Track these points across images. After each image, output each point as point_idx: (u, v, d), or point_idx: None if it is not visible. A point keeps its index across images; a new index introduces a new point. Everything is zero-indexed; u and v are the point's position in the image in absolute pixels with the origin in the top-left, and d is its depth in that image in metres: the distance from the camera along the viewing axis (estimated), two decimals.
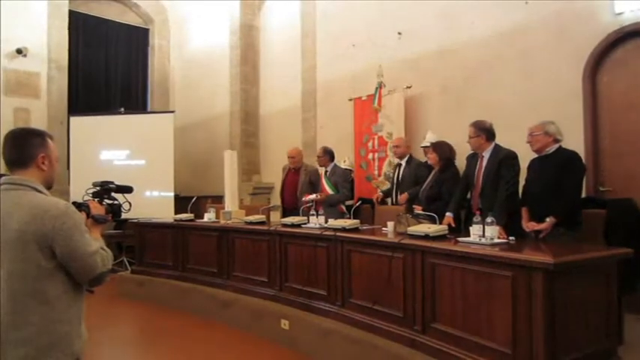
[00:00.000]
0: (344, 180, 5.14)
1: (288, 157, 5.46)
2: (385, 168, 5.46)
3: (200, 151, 8.17)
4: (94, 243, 1.65)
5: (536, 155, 3.32)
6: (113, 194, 2.00)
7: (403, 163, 4.85)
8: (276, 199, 6.93)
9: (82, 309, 1.68)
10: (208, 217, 5.20)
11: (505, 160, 3.40)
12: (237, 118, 7.69)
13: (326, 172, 5.20)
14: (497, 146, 3.54)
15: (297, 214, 4.55)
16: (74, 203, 1.75)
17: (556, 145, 3.22)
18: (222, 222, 4.90)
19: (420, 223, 3.33)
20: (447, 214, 3.59)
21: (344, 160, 5.85)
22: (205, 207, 5.79)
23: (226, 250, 4.66)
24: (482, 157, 3.56)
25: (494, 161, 3.46)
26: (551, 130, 3.22)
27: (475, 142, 3.54)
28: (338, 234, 3.60)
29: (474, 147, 3.58)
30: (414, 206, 3.81)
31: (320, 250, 3.72)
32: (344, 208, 5.04)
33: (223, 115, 7.92)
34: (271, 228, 4.23)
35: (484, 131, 3.52)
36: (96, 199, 1.92)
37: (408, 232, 3.17)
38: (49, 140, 1.71)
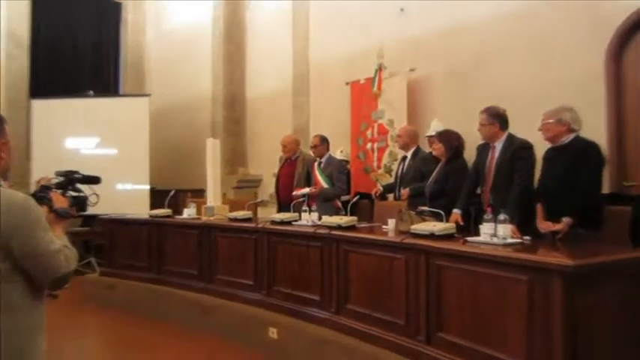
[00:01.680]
0: (339, 172, 5.12)
1: (282, 146, 5.44)
2: (386, 159, 5.45)
3: (179, 139, 8.11)
4: (56, 240, 1.61)
5: (550, 145, 3.31)
6: (78, 185, 1.95)
7: (408, 155, 4.84)
8: (264, 194, 6.90)
9: (42, 317, 1.63)
10: (188, 212, 5.17)
11: (519, 150, 3.39)
12: (221, 103, 7.63)
13: (320, 163, 5.17)
14: (510, 135, 3.53)
15: (289, 208, 4.54)
16: (34, 195, 1.70)
17: (572, 135, 3.21)
18: (204, 218, 4.87)
19: (425, 220, 3.32)
20: (455, 210, 3.59)
21: (340, 150, 5.84)
22: (185, 202, 5.75)
23: (208, 250, 4.64)
24: (494, 147, 3.54)
25: (507, 152, 3.45)
26: (565, 118, 3.20)
27: (487, 130, 3.52)
28: (333, 232, 3.59)
29: (485, 136, 3.57)
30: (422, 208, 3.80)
31: (313, 251, 3.71)
32: (339, 203, 5.03)
33: (205, 99, 7.86)
34: (258, 225, 4.21)
35: (497, 118, 3.51)
36: (59, 191, 1.86)
37: (411, 231, 3.16)
38: (5, 126, 1.65)
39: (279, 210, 5.25)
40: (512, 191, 3.32)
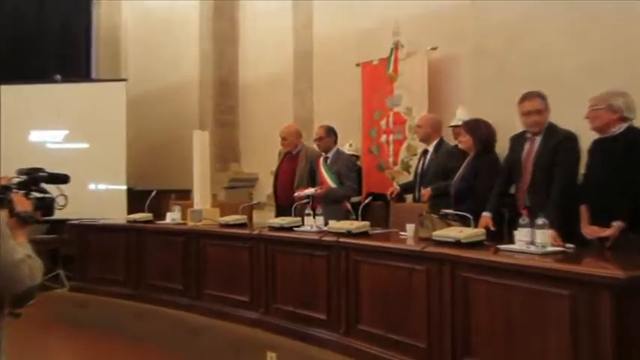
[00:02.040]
0: (349, 169, 5.12)
1: (280, 138, 5.45)
2: (403, 154, 5.44)
3: (161, 131, 8.13)
4: (19, 249, 1.61)
5: (598, 136, 3.30)
6: (44, 185, 1.95)
7: (430, 149, 4.83)
8: (261, 194, 6.91)
9: (1, 339, 1.64)
10: (172, 217, 5.19)
11: (563, 143, 3.38)
12: (210, 89, 7.65)
13: (326, 158, 5.17)
14: (552, 125, 3.52)
15: (290, 212, 4.56)
16: None
17: (624, 124, 3.19)
18: (190, 224, 4.89)
19: (449, 225, 3.33)
20: (485, 213, 3.58)
21: (349, 143, 5.84)
22: (168, 204, 5.78)
23: (195, 261, 4.66)
24: (533, 139, 3.53)
25: (548, 145, 3.44)
26: (618, 104, 3.19)
27: (538, 119, 3.46)
28: (341, 240, 3.59)
29: (533, 125, 3.50)
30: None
31: (318, 261, 3.71)
32: (349, 205, 5.01)
33: (191, 85, 7.88)
34: (254, 232, 4.22)
35: (545, 101, 3.47)
36: (21, 192, 1.87)
37: (434, 238, 3.17)
38: None
39: (279, 214, 5.25)
40: (553, 190, 3.31)
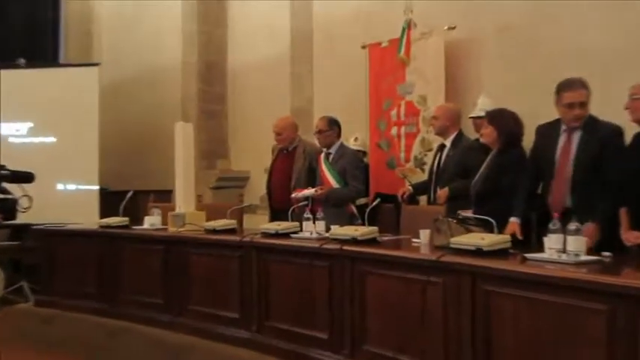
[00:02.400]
0: (354, 167, 5.12)
1: (274, 133, 5.45)
2: (416, 149, 5.44)
3: (138, 123, 8.12)
4: None
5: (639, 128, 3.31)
6: (5, 185, 1.96)
7: (448, 143, 4.83)
8: (252, 196, 6.91)
9: None
10: (150, 222, 5.20)
11: (610, 138, 3.38)
12: (195, 74, 7.65)
13: (328, 155, 5.17)
14: (592, 118, 3.51)
15: (286, 216, 4.54)
16: None
17: None
18: (172, 229, 4.89)
19: (470, 231, 3.33)
20: (512, 219, 3.58)
21: (354, 137, 5.84)
22: (146, 207, 5.77)
23: (178, 272, 4.67)
24: (570, 132, 3.51)
25: (591, 140, 3.43)
26: None
27: (581, 113, 3.44)
28: (345, 248, 3.59)
29: (575, 119, 3.48)
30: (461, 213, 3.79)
31: (318, 273, 3.72)
32: (354, 208, 5.02)
33: (173, 69, 7.88)
34: (245, 239, 4.22)
35: (589, 92, 3.45)
36: None
37: (451, 245, 3.17)
38: None
39: (273, 218, 5.26)
40: (604, 193, 3.30)
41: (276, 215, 5.28)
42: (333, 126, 5.17)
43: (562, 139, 3.56)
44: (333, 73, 6.46)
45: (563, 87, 3.51)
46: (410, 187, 5.07)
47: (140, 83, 8.23)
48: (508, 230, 3.48)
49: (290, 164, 5.39)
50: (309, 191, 4.97)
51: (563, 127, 3.56)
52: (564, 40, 4.74)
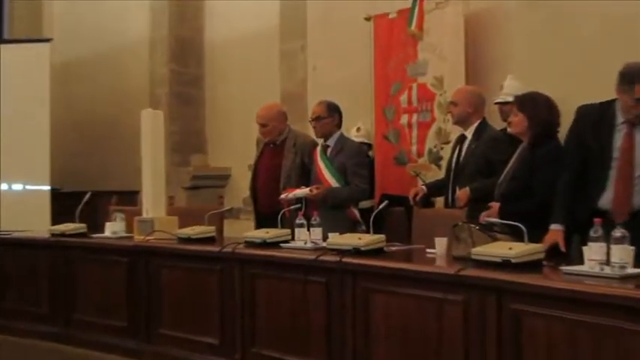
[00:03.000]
0: (357, 163, 5.09)
1: (258, 125, 5.43)
2: (431, 141, 5.44)
3: (98, 111, 8.12)
4: None
5: None
6: None
7: (469, 134, 4.81)
8: (234, 198, 6.90)
9: None
10: (112, 229, 5.20)
11: None
12: (165, 53, 7.67)
13: (325, 148, 5.16)
14: None
15: (275, 221, 4.56)
16: None
17: None
18: (138, 238, 4.90)
19: (495, 239, 3.33)
20: (553, 226, 3.52)
21: (356, 127, 5.84)
22: (107, 211, 5.77)
23: (145, 290, 4.67)
24: (631, 126, 3.48)
25: None
26: None
27: None
28: (346, 260, 3.59)
29: None
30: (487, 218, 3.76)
31: (314, 290, 3.72)
32: (356, 212, 5.01)
33: (139, 47, 7.90)
34: (226, 249, 4.22)
35: None
36: None
37: (473, 257, 3.17)
38: None
39: (259, 224, 5.25)
40: None
41: (262, 221, 5.26)
42: (333, 112, 5.14)
43: (620, 133, 3.52)
44: (331, 51, 6.46)
45: (637, 78, 3.44)
46: (423, 187, 5.05)
47: (100, 63, 8.23)
48: (547, 239, 3.46)
49: (278, 160, 5.36)
50: (302, 191, 4.95)
51: (621, 118, 3.53)
52: (608, 8, 4.70)
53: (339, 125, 5.20)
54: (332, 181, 5.04)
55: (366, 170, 5.27)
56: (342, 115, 5.23)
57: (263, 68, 6.96)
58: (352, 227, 4.76)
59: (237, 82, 7.34)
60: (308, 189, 4.96)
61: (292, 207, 4.73)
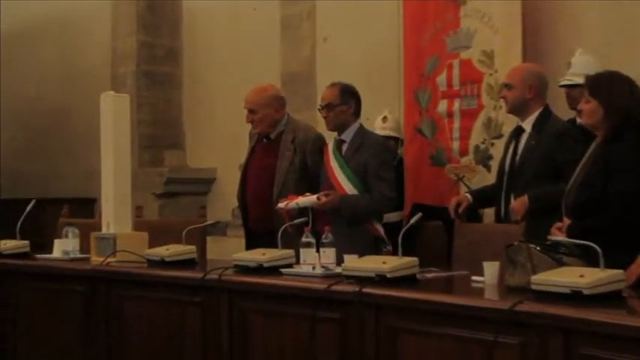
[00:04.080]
0: (381, 162, 5.07)
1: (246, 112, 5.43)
2: (478, 135, 5.46)
3: (45, 95, 8.13)
4: None
5: None
6: None
7: (527, 127, 4.80)
8: (221, 208, 6.89)
9: None
10: (63, 248, 5.19)
11: None
12: (132, 21, 7.71)
13: (340, 143, 5.16)
14: None
15: (273, 242, 4.52)
16: None
17: None
18: (96, 260, 4.91)
19: (562, 264, 3.32)
20: None
21: (382, 116, 5.86)
22: (56, 225, 5.78)
23: (105, 327, 4.68)
24: None
25: None
26: None
27: None
28: (367, 291, 3.57)
29: None
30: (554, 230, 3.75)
31: (325, 329, 3.72)
32: (380, 228, 5.00)
33: (98, 11, 7.94)
34: (210, 276, 4.22)
35: None
36: None
37: (534, 287, 3.15)
38: None
39: (252, 244, 5.26)
40: None
41: (256, 239, 5.28)
42: (348, 98, 5.13)
43: None
44: (346, 18, 6.48)
45: None
46: (468, 195, 5.04)
47: (47, 34, 8.25)
48: (633, 270, 3.47)
49: (272, 160, 5.35)
50: (307, 199, 4.92)
51: None
52: None
53: (356, 114, 5.18)
54: (348, 187, 5.04)
55: (393, 173, 5.25)
56: (361, 101, 5.23)
57: (258, 40, 6.99)
58: (375, 247, 4.76)
59: (223, 58, 7.37)
60: (315, 197, 4.94)
61: (296, 221, 4.71)
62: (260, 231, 5.20)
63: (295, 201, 4.94)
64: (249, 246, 5.21)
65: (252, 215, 5.44)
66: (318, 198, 4.91)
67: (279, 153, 5.35)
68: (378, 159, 5.09)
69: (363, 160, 5.06)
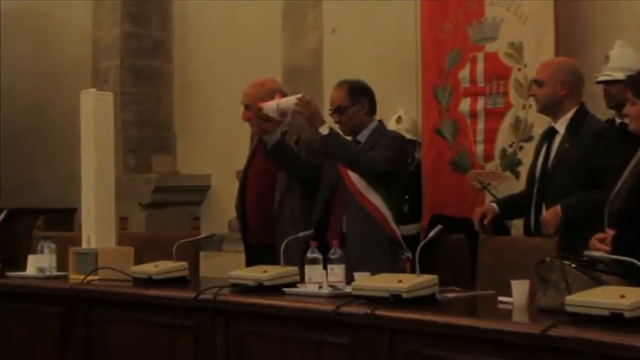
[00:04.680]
0: (389, 143, 5.03)
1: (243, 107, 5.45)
2: (505, 139, 5.47)
3: (17, 93, 8.16)
4: None
5: None
6: None
7: (561, 128, 4.81)
8: (216, 220, 6.91)
9: None
10: (38, 264, 5.22)
11: None
12: (115, 7, 7.74)
13: (356, 144, 5.14)
14: None
15: (275, 255, 4.55)
16: None
17: None
18: (75, 278, 4.92)
19: (600, 283, 3.31)
20: None
21: (396, 116, 5.89)
22: (31, 238, 5.79)
23: (85, 353, 4.70)
24: None
25: None
26: None
27: None
28: (380, 313, 3.57)
29: None
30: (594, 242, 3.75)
31: (333, 355, 3.72)
32: (396, 230, 5.01)
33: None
34: (204, 296, 4.23)
35: None
36: None
37: (568, 309, 3.14)
38: None
39: (251, 259, 5.29)
40: None
41: (255, 254, 5.30)
42: (358, 97, 5.13)
43: None
44: (358, 6, 6.49)
45: None
46: (494, 205, 5.03)
47: (21, 23, 8.27)
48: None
49: (274, 165, 5.35)
50: (287, 100, 4.90)
51: None
52: None
53: (371, 112, 5.17)
54: (368, 193, 5.01)
55: (395, 151, 5.09)
56: (375, 96, 5.23)
57: (257, 31, 6.99)
58: (390, 252, 4.77)
59: (219, 51, 7.39)
60: (295, 98, 4.89)
61: (301, 234, 4.69)
62: (260, 243, 5.22)
63: (274, 102, 4.93)
64: (250, 261, 5.23)
65: (251, 225, 5.45)
66: (297, 100, 4.86)
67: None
68: (388, 140, 5.08)
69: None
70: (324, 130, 4.82)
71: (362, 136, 5.13)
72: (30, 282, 5.09)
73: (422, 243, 3.98)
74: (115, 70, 7.60)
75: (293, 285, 4.18)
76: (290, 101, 4.85)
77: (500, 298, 3.70)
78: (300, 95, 4.87)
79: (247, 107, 5.33)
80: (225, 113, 6.90)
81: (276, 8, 6.88)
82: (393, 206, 5.02)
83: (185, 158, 7.68)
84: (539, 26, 5.31)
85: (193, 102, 7.62)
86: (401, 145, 5.31)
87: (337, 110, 5.15)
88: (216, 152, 7.19)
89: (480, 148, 5.57)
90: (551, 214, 4.52)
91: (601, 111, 4.87)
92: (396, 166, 5.07)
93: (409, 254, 4.39)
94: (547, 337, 3.01)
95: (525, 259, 3.76)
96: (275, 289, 4.15)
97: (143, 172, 7.53)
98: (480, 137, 5.57)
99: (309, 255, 4.14)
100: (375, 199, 4.98)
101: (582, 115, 4.78)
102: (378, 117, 5.35)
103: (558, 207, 4.49)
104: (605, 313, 3.01)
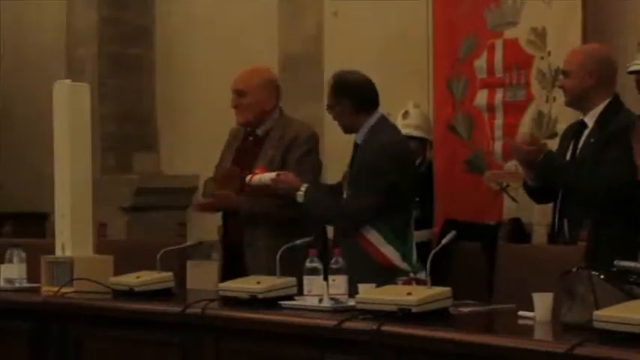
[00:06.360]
0: (372, 166, 4.93)
1: (233, 95, 5.46)
2: (526, 132, 5.42)
3: None
4: None
5: None
6: None
7: (590, 122, 4.82)
8: (204, 225, 6.93)
9: None
10: (7, 275, 5.26)
11: None
12: None
13: (355, 147, 5.16)
14: None
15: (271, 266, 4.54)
16: None
17: None
18: (48, 290, 4.94)
19: (632, 296, 3.31)
20: None
21: (403, 111, 5.88)
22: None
23: None
24: None
25: None
26: None
27: None
28: (387, 329, 3.58)
29: None
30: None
31: None
32: (391, 256, 4.95)
33: None
34: (191, 309, 4.24)
35: None
36: None
37: (595, 325, 3.14)
38: None
39: (229, 259, 5.36)
40: None
41: (235, 252, 5.37)
42: (339, 97, 5.06)
43: None
44: None
45: None
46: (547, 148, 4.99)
47: None
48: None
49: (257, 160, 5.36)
50: (268, 175, 4.97)
51: None
52: None
53: (360, 111, 5.08)
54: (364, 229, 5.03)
55: (381, 181, 4.95)
56: (367, 92, 5.13)
57: (249, 16, 7.01)
58: (391, 275, 4.74)
59: (206, 37, 7.42)
60: (274, 173, 4.97)
61: (298, 242, 4.70)
62: (239, 244, 5.30)
63: (259, 176, 4.99)
64: (228, 261, 5.35)
65: (232, 231, 5.52)
66: (276, 175, 4.95)
67: (260, 150, 5.40)
68: (368, 162, 4.98)
69: (354, 170, 5.06)
70: (299, 199, 4.93)
71: (359, 138, 5.07)
72: (32, 297, 5.06)
73: (434, 251, 4.00)
74: (91, 58, 7.61)
75: (290, 298, 4.20)
76: (269, 176, 4.95)
77: (521, 313, 3.71)
78: (275, 174, 4.96)
79: (238, 93, 5.37)
80: (213, 107, 6.91)
81: None
82: (399, 235, 4.94)
83: (169, 157, 7.69)
84: (564, 10, 5.33)
85: (178, 94, 7.63)
86: (390, 154, 5.05)
87: (328, 109, 5.17)
88: (204, 150, 7.18)
89: (497, 146, 5.58)
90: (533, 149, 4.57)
91: (633, 105, 4.87)
92: (389, 200, 4.96)
93: (412, 274, 4.40)
94: (573, 356, 3.01)
95: (548, 270, 3.78)
96: (270, 303, 4.17)
97: (123, 173, 7.55)
98: (498, 133, 5.59)
99: (307, 265, 4.14)
100: (372, 235, 4.96)
101: (616, 107, 4.79)
102: (387, 111, 5.32)
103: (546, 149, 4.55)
104: (637, 330, 2.99)
